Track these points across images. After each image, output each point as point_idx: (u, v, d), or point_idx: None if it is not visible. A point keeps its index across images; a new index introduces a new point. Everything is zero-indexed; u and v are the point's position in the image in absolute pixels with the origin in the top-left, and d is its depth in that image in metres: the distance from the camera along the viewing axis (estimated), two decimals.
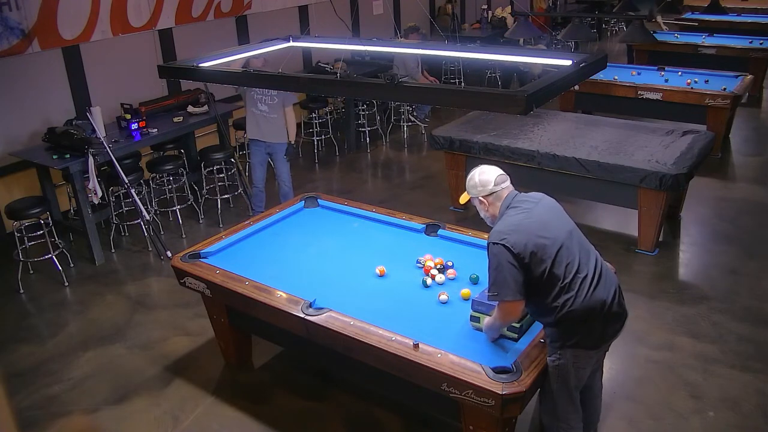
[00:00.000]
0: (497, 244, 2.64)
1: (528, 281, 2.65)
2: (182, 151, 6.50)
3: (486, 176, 2.84)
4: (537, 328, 2.96)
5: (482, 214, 2.94)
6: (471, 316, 3.01)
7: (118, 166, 5.20)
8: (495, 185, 2.82)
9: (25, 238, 5.21)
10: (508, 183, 2.88)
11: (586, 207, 5.92)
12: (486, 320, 2.90)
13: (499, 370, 2.60)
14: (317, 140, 7.84)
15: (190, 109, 6.30)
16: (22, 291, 5.04)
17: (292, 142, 5.68)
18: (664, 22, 10.04)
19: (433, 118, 8.68)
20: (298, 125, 7.99)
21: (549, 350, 2.76)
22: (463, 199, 3.00)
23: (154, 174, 6.04)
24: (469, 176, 2.92)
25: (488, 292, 2.74)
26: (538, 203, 2.81)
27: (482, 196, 2.84)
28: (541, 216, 2.74)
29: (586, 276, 2.68)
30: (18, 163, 5.61)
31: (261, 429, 3.52)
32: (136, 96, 6.33)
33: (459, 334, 2.97)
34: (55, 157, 5.19)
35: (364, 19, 9.45)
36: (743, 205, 6.04)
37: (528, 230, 2.66)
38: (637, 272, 4.95)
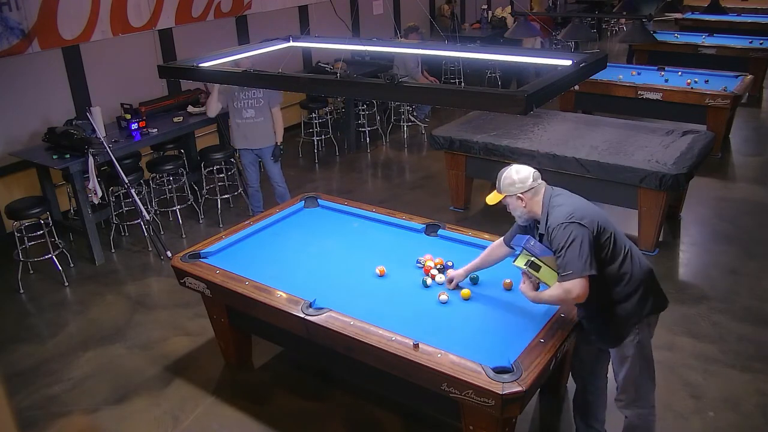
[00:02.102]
0: (574, 223, 2.65)
1: (597, 257, 2.68)
2: (182, 151, 6.49)
3: (524, 173, 2.84)
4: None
5: (517, 213, 2.90)
6: (527, 260, 2.79)
7: (118, 166, 5.20)
8: (533, 181, 2.83)
9: (25, 238, 5.21)
10: (541, 179, 2.88)
11: None
12: (545, 293, 2.77)
13: (499, 370, 2.60)
14: (317, 140, 7.84)
15: (190, 109, 6.31)
16: (22, 291, 5.04)
17: (279, 143, 5.63)
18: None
19: (433, 118, 8.68)
20: (298, 125, 8.03)
21: (618, 337, 2.79)
22: (493, 199, 2.94)
23: (154, 174, 6.04)
24: (503, 176, 2.88)
25: (561, 271, 2.66)
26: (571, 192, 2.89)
27: (521, 193, 2.82)
28: (583, 199, 2.84)
29: (632, 247, 2.81)
30: (18, 163, 5.62)
31: (261, 429, 3.52)
32: (136, 96, 6.33)
33: (459, 334, 2.97)
34: (55, 157, 5.19)
35: (364, 19, 9.46)
36: (743, 205, 6.04)
37: (589, 208, 2.75)
38: None
